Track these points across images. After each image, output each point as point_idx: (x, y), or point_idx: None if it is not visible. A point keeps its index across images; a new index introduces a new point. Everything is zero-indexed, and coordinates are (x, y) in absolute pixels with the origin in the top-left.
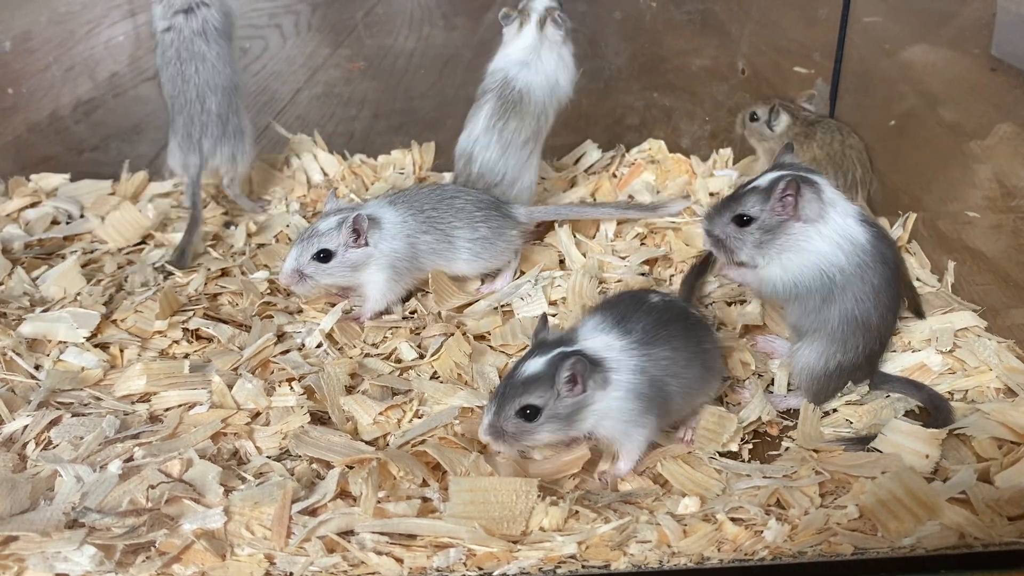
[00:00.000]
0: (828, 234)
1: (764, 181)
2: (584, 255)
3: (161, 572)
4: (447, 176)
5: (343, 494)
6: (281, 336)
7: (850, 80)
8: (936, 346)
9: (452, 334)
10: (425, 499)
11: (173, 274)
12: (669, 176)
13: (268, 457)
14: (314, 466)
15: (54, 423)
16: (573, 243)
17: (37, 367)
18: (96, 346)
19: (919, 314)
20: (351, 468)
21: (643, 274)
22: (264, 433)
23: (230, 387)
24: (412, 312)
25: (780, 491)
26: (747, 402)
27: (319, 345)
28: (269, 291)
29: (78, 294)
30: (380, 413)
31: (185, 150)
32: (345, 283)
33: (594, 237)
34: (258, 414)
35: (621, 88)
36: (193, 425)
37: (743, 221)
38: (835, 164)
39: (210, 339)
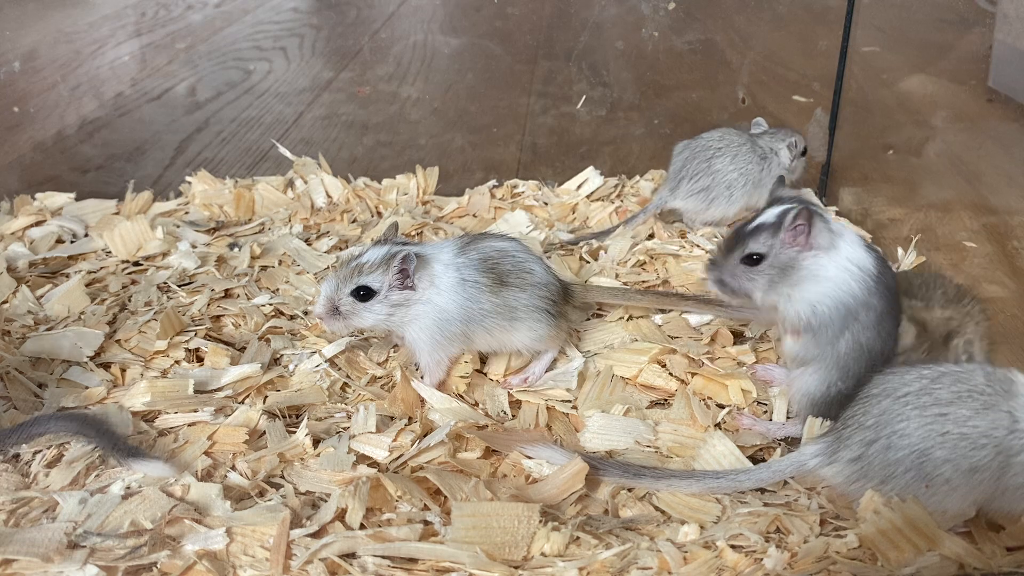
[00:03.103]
0: (840, 262)
1: (770, 216)
2: (586, 281)
3: None
4: (452, 202)
5: (344, 516)
6: (277, 360)
7: (849, 110)
8: None
9: None
10: (427, 523)
11: (176, 294)
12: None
13: (269, 482)
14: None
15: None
16: (566, 270)
17: (40, 385)
18: (99, 365)
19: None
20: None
21: None
22: (256, 456)
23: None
24: None
25: (780, 518)
26: (746, 430)
27: (317, 367)
28: (274, 313)
29: (82, 313)
30: (392, 440)
31: None
32: (385, 327)
33: (597, 259)
34: (261, 435)
35: (623, 116)
36: (188, 442)
37: (753, 260)
38: None
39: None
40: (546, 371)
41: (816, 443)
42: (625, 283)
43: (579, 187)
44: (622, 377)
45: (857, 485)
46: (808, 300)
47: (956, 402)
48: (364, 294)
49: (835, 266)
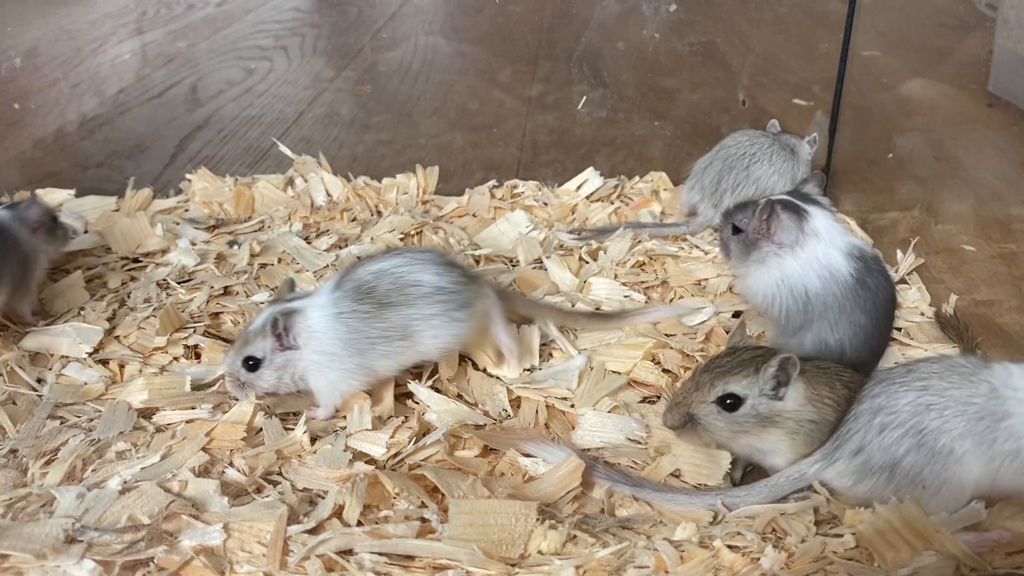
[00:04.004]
0: (804, 259)
1: (762, 201)
2: (585, 281)
3: None
4: (452, 201)
5: (341, 513)
6: None
7: (849, 113)
8: None
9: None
10: (424, 520)
11: (175, 291)
12: (670, 207)
13: (267, 478)
14: (316, 490)
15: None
16: (565, 270)
17: (39, 380)
18: (98, 361)
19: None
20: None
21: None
22: (253, 452)
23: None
24: None
25: (776, 519)
26: None
27: None
28: None
29: (81, 309)
30: (390, 436)
31: None
32: (285, 390)
33: (596, 259)
34: (259, 431)
35: (623, 117)
36: (187, 438)
37: (735, 229)
38: None
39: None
40: (509, 338)
41: (813, 453)
42: (624, 283)
43: (579, 188)
44: (615, 372)
45: (865, 485)
46: (760, 282)
47: (936, 375)
48: (252, 364)
49: (796, 261)
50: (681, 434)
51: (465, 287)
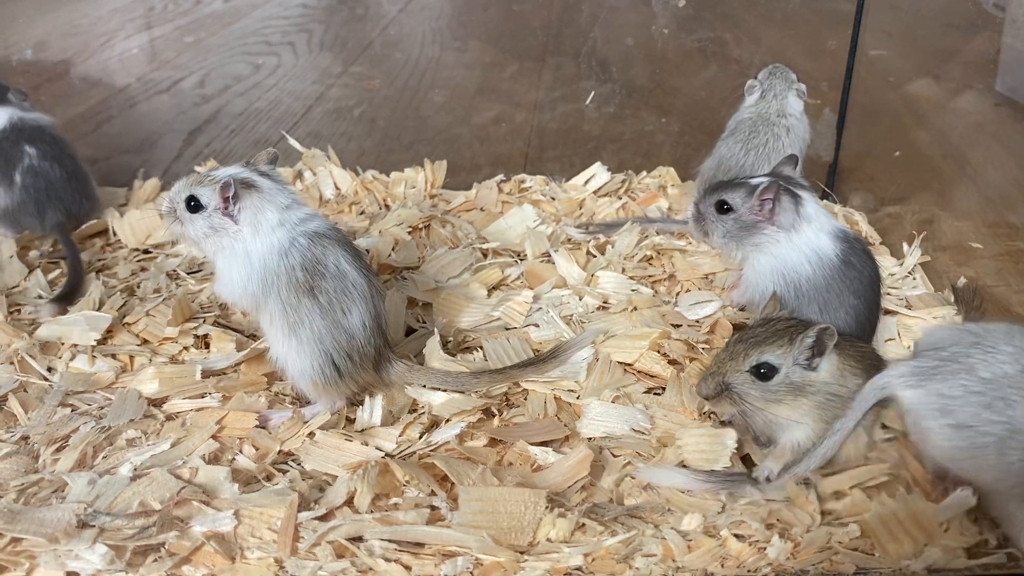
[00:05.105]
0: (798, 244)
1: (755, 181)
2: (593, 275)
3: (171, 573)
4: (460, 196)
5: (352, 501)
6: None
7: (856, 111)
8: None
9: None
10: (434, 508)
11: (185, 281)
12: (678, 203)
13: (278, 466)
14: (325, 477)
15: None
16: (573, 264)
17: (50, 369)
18: (107, 351)
19: None
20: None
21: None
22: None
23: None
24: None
25: (781, 509)
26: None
27: None
28: None
29: (98, 302)
30: (400, 434)
31: None
32: (201, 249)
33: (604, 254)
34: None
35: (631, 113)
36: (196, 426)
37: (723, 208)
38: None
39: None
40: (305, 422)
41: (903, 364)
42: (631, 277)
43: (586, 183)
44: (620, 363)
45: (936, 422)
46: (758, 269)
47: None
48: (194, 205)
49: (791, 246)
50: (715, 403)
51: (365, 361)
